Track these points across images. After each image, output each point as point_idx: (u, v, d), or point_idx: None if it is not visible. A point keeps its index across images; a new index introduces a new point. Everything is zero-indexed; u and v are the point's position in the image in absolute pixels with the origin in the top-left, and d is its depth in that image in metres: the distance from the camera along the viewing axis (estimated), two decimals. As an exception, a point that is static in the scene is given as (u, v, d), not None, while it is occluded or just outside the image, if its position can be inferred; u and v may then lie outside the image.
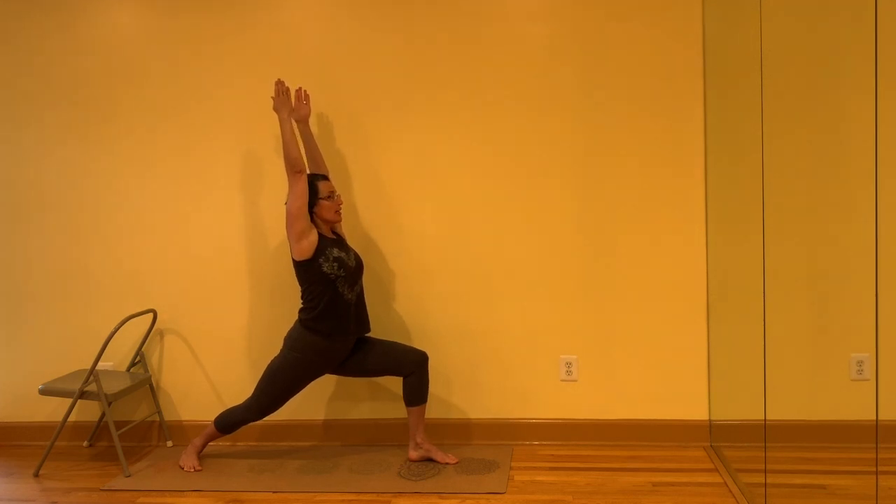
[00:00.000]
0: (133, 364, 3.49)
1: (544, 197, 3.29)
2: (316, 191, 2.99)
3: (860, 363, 2.21)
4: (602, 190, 3.26)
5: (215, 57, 3.41)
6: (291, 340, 3.02)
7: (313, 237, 2.93)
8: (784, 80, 2.33)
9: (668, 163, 3.22)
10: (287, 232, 2.94)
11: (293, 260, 2.97)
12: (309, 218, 2.95)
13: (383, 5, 3.31)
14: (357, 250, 3.29)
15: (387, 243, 3.38)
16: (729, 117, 2.87)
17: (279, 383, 3.02)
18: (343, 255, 2.99)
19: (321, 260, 2.93)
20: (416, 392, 3.09)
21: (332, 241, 3.01)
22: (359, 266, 3.07)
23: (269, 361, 3.14)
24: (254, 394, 3.08)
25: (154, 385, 3.52)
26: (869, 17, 1.80)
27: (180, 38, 3.42)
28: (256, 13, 3.37)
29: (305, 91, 3.19)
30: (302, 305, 3.02)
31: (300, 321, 3.02)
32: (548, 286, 3.32)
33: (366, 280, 3.35)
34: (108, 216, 3.51)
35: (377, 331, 3.39)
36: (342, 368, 3.11)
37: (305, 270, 2.95)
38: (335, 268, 2.93)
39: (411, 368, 3.08)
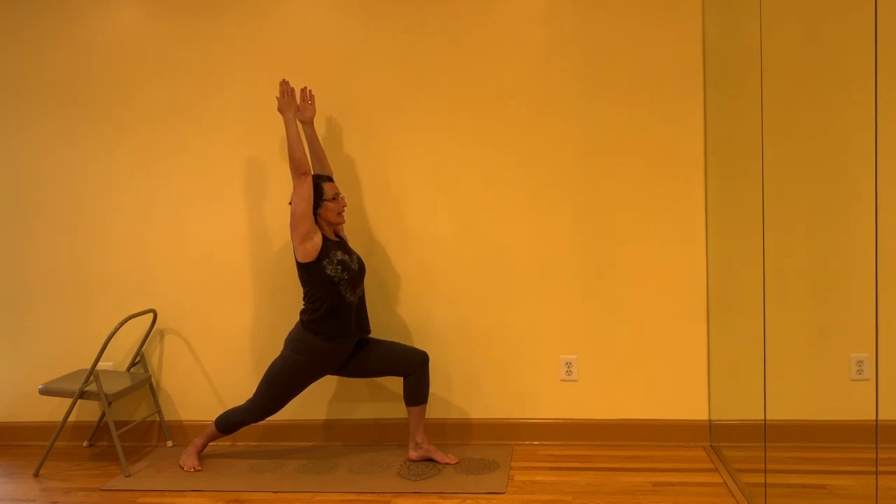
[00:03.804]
0: (133, 364, 3.49)
1: (544, 197, 3.29)
2: (321, 192, 2.98)
3: (860, 363, 2.21)
4: (602, 190, 3.26)
5: (218, 57, 3.41)
6: (293, 342, 3.02)
7: (318, 239, 2.93)
8: (784, 80, 2.33)
9: (669, 163, 3.22)
10: (291, 233, 2.93)
11: (297, 262, 2.96)
12: (314, 220, 2.95)
13: (387, 7, 3.31)
14: (359, 250, 3.29)
15: (389, 243, 3.38)
16: (729, 118, 2.87)
17: (280, 385, 3.02)
18: (346, 257, 2.99)
19: (325, 262, 2.92)
20: (417, 392, 3.09)
21: (335, 244, 3.01)
22: (361, 269, 3.07)
23: (269, 362, 3.14)
24: (255, 395, 3.08)
25: (154, 385, 3.52)
26: (869, 17, 1.80)
27: (183, 39, 3.42)
28: (261, 14, 3.37)
29: (310, 91, 3.18)
30: (304, 307, 3.02)
31: (301, 322, 3.02)
32: (548, 286, 3.32)
33: (368, 280, 3.35)
34: (108, 216, 3.51)
35: (379, 330, 3.39)
36: (343, 369, 3.11)
37: (309, 272, 2.95)
38: (339, 270, 2.93)
39: (412, 369, 3.08)
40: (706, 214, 3.22)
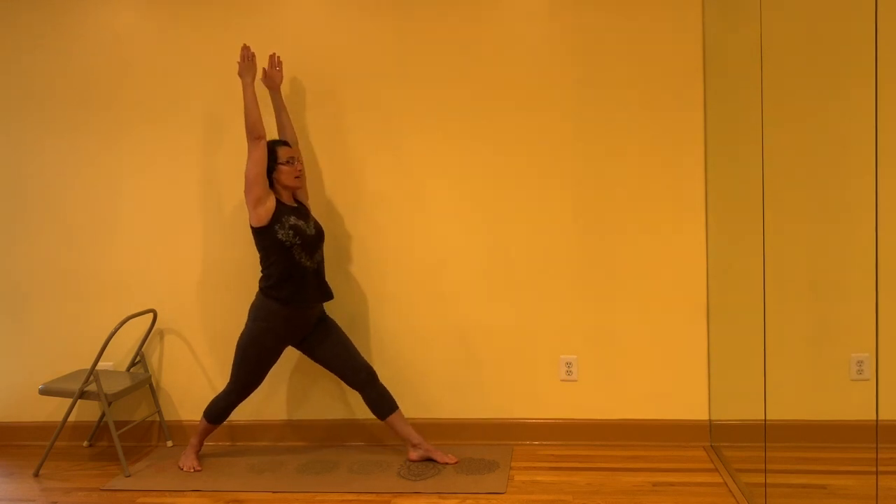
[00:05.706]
0: (133, 364, 3.49)
1: (544, 196, 3.29)
2: (275, 156, 3.00)
3: (860, 363, 2.21)
4: (602, 189, 3.26)
5: (216, 55, 3.40)
6: (254, 311, 3.04)
7: (270, 204, 2.95)
8: (784, 78, 2.33)
9: (668, 162, 3.21)
10: (245, 198, 2.96)
11: (251, 227, 2.98)
12: (267, 184, 2.97)
13: (384, 4, 3.31)
14: (359, 250, 3.29)
15: (388, 242, 3.38)
16: (729, 117, 2.87)
17: (251, 357, 3.03)
18: (301, 223, 3.00)
19: (277, 227, 2.94)
20: (382, 404, 3.09)
21: (290, 209, 3.02)
22: (319, 234, 3.08)
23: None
24: (231, 375, 3.09)
25: (154, 385, 3.52)
26: (869, 17, 1.80)
27: (180, 37, 3.42)
28: (257, 11, 3.37)
29: (278, 57, 3.20)
30: (261, 274, 3.03)
31: (260, 290, 3.04)
32: (548, 286, 3.31)
33: (368, 279, 3.35)
34: (108, 216, 3.51)
35: (379, 330, 3.39)
36: (302, 343, 3.13)
37: (262, 237, 2.97)
38: (290, 235, 2.94)
39: (356, 383, 3.09)
40: (706, 214, 3.21)
